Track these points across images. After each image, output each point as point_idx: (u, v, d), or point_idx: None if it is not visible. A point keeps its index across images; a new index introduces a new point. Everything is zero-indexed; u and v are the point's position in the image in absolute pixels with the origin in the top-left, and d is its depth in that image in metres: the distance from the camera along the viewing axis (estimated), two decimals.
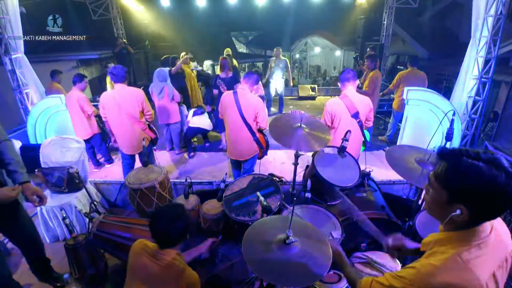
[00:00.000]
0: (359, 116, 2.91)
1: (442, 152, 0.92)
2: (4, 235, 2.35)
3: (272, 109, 7.28)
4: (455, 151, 0.90)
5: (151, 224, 1.59)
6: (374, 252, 2.03)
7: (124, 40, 7.69)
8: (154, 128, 3.53)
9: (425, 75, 4.99)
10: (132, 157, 3.59)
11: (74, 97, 3.97)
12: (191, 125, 4.67)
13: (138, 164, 3.61)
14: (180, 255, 1.63)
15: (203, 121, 4.71)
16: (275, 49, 6.88)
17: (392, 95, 5.86)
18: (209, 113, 4.98)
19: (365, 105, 2.94)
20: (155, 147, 3.83)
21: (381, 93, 6.04)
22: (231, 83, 4.50)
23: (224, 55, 6.39)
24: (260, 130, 3.20)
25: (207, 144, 5.20)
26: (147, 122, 3.48)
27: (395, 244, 1.41)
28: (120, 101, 3.20)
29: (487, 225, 0.92)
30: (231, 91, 3.11)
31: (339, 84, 3.02)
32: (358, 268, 2.01)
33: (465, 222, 0.91)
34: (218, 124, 5.00)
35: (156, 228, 1.57)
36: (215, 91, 4.63)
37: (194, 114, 4.73)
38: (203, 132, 4.89)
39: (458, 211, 0.87)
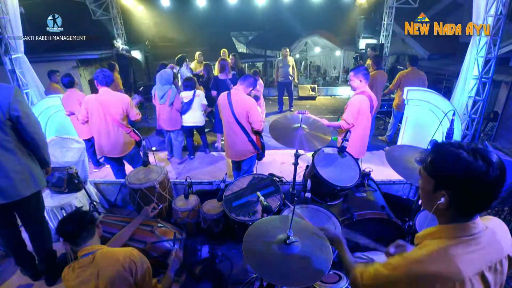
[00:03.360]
0: (373, 110, 3.03)
1: (431, 146, 0.98)
2: (21, 221, 2.44)
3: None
4: (441, 142, 0.95)
5: (60, 232, 1.61)
6: (374, 252, 2.03)
7: (117, 45, 7.68)
8: (137, 132, 3.51)
9: (425, 75, 4.99)
10: (119, 162, 3.59)
11: (73, 97, 3.96)
12: (184, 124, 4.49)
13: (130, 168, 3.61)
14: (100, 245, 1.63)
15: (194, 118, 4.48)
16: (282, 50, 7.05)
17: (392, 95, 5.87)
18: (208, 115, 4.95)
19: (376, 100, 3.05)
20: (143, 150, 3.81)
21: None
22: (228, 84, 4.54)
23: (230, 56, 6.46)
24: (257, 132, 3.19)
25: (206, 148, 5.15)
26: (130, 125, 3.46)
27: (397, 252, 1.39)
28: (105, 105, 3.18)
29: (480, 223, 0.94)
30: (226, 92, 3.12)
31: (358, 80, 2.90)
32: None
33: (453, 213, 0.93)
34: (216, 125, 4.95)
35: (64, 230, 1.59)
36: (214, 93, 4.61)
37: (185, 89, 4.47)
38: (197, 128, 4.70)
39: (442, 199, 0.91)
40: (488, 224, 0.96)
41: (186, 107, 4.39)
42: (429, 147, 2.10)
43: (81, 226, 1.59)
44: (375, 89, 4.62)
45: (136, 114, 3.40)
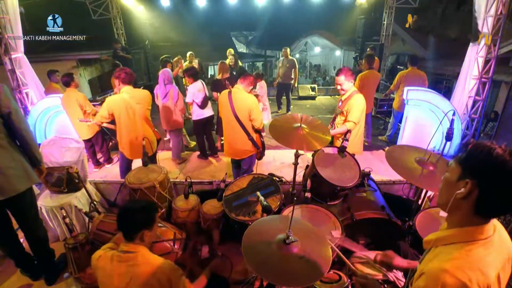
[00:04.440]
0: None
1: (467, 143, 0.98)
2: (16, 220, 2.44)
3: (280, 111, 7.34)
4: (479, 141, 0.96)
5: (119, 213, 1.65)
6: (374, 252, 2.02)
7: (118, 45, 7.67)
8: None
9: (425, 75, 4.99)
10: (131, 162, 3.56)
11: (72, 97, 3.95)
12: (195, 118, 4.35)
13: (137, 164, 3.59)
14: (145, 248, 1.62)
15: (208, 108, 4.37)
16: (283, 49, 6.89)
17: (392, 95, 5.87)
18: None
19: None
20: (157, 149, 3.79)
21: (383, 94, 6.03)
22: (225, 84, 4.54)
23: (228, 57, 6.46)
24: (257, 131, 3.18)
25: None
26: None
27: (384, 260, 1.42)
28: (134, 103, 3.10)
29: (490, 225, 0.92)
30: (227, 91, 3.12)
31: (350, 82, 2.92)
32: (358, 268, 2.01)
33: (470, 213, 0.91)
34: (219, 127, 4.92)
35: (121, 216, 1.63)
36: (215, 94, 4.58)
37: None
38: (210, 119, 4.54)
39: (462, 189, 0.89)
40: (496, 226, 0.96)
41: (206, 100, 4.26)
42: (434, 149, 2.11)
43: (136, 220, 1.58)
44: (366, 88, 4.60)
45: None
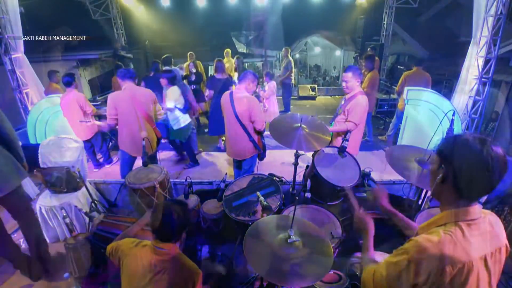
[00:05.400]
0: None
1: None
2: (12, 216, 2.49)
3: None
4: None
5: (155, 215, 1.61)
6: (374, 252, 2.02)
7: (118, 45, 7.68)
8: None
9: (429, 76, 4.95)
10: (134, 158, 3.56)
11: (72, 98, 3.94)
12: (183, 125, 4.11)
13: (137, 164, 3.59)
14: (177, 247, 1.64)
15: (185, 117, 4.13)
16: (283, 49, 6.87)
17: (392, 95, 5.87)
18: (204, 114, 4.90)
19: None
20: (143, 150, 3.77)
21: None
22: (226, 84, 4.52)
23: (233, 58, 6.44)
24: (259, 132, 3.18)
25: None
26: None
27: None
28: (136, 99, 3.11)
29: (478, 209, 1.00)
30: (229, 91, 3.12)
31: (357, 81, 2.89)
32: (358, 268, 2.01)
33: (454, 196, 0.99)
34: (210, 127, 4.76)
35: (161, 219, 1.57)
36: (211, 92, 4.56)
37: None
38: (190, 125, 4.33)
39: (440, 175, 0.99)
40: (487, 215, 1.03)
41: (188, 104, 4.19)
42: (434, 149, 2.12)
43: (175, 230, 1.59)
44: (370, 89, 4.61)
45: (159, 110, 3.40)
